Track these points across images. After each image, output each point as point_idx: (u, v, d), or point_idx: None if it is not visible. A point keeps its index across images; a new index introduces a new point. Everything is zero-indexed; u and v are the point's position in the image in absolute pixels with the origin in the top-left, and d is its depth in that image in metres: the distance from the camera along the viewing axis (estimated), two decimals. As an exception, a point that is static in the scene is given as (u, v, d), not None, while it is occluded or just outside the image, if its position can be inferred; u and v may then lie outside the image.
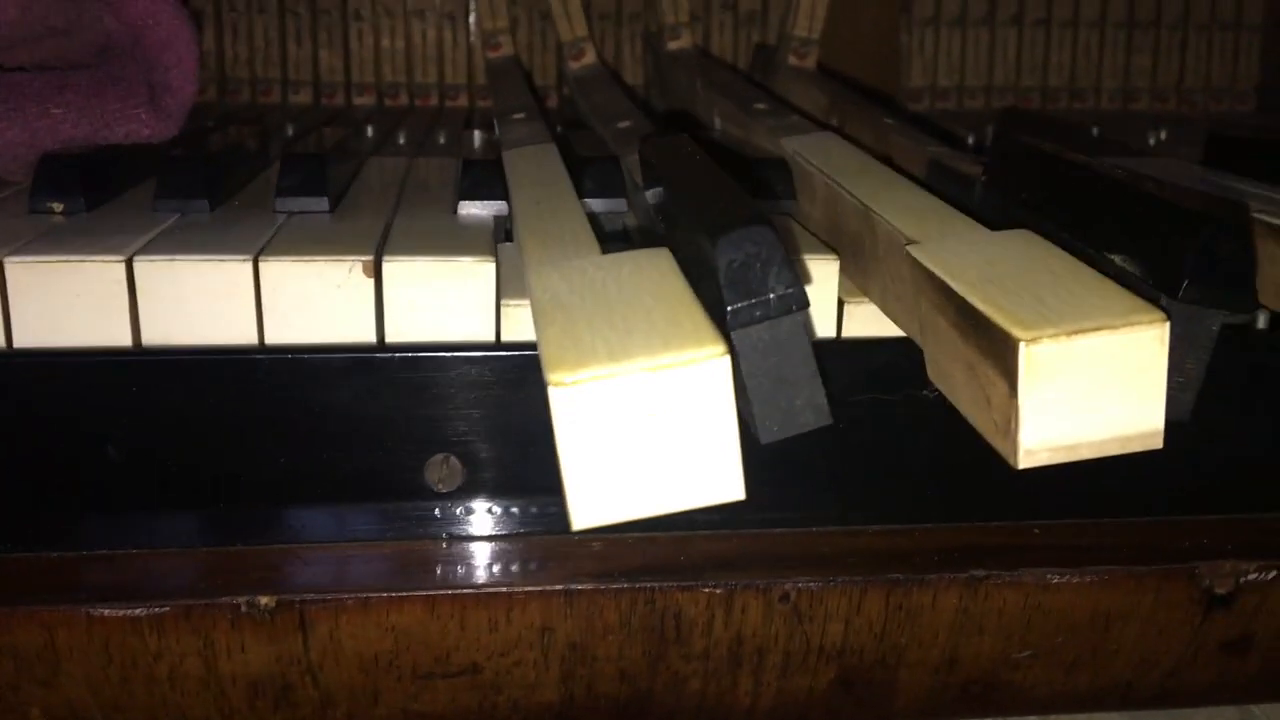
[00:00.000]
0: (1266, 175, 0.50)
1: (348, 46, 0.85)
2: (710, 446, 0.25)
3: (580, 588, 0.38)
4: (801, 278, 0.28)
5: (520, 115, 0.55)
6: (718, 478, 0.25)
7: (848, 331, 0.40)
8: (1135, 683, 0.43)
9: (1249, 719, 0.53)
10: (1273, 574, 0.41)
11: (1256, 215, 0.41)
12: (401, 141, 0.67)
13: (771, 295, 0.27)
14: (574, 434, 0.24)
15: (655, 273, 0.29)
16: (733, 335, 0.28)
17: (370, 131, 0.70)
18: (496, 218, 0.45)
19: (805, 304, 0.27)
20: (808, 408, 0.29)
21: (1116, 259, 0.33)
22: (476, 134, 0.65)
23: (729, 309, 0.27)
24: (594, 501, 0.25)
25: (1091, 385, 0.28)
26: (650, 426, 0.25)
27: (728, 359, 0.24)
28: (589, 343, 0.25)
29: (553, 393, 0.24)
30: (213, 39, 0.84)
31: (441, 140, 0.68)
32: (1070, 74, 0.93)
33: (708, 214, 0.29)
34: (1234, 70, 0.95)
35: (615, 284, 0.28)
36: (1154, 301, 0.29)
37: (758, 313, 0.27)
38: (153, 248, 0.39)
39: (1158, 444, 0.29)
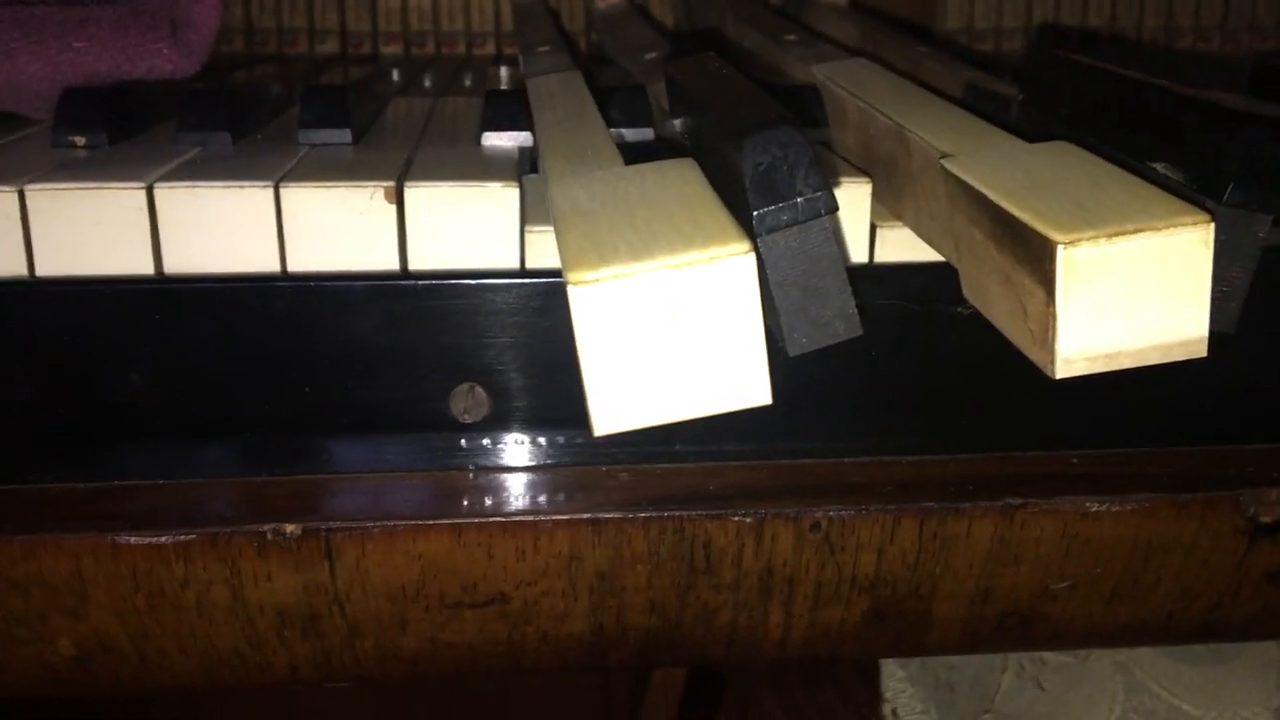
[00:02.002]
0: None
1: (374, -7, 0.85)
2: (736, 349, 0.24)
3: (607, 516, 0.38)
4: (829, 181, 0.27)
5: (545, 48, 0.54)
6: (744, 382, 0.24)
7: (880, 257, 0.39)
8: (1177, 615, 0.42)
9: (1294, 654, 0.52)
10: (1320, 502, 0.39)
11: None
12: (427, 84, 0.66)
13: (799, 198, 0.26)
14: (595, 336, 0.24)
15: (679, 179, 0.28)
16: (759, 241, 0.27)
17: (396, 76, 0.69)
18: (522, 149, 0.44)
19: (834, 207, 0.27)
20: (838, 318, 0.28)
21: (1159, 168, 0.32)
22: (503, 70, 0.64)
23: (755, 212, 0.26)
24: (616, 406, 0.24)
25: (1132, 291, 0.27)
26: (673, 328, 0.24)
27: (753, 256, 0.24)
28: (610, 243, 0.24)
29: (573, 292, 0.23)
30: (239, -12, 0.84)
31: (467, 83, 0.67)
32: (1111, 13, 0.91)
33: (733, 119, 0.28)
34: (1279, 7, 0.93)
35: (639, 191, 0.27)
36: (1199, 205, 0.28)
37: (785, 217, 0.26)
38: (174, 176, 0.38)
39: (1201, 352, 0.28)
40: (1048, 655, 0.57)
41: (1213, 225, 0.27)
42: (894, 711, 0.59)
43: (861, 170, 0.40)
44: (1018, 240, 0.28)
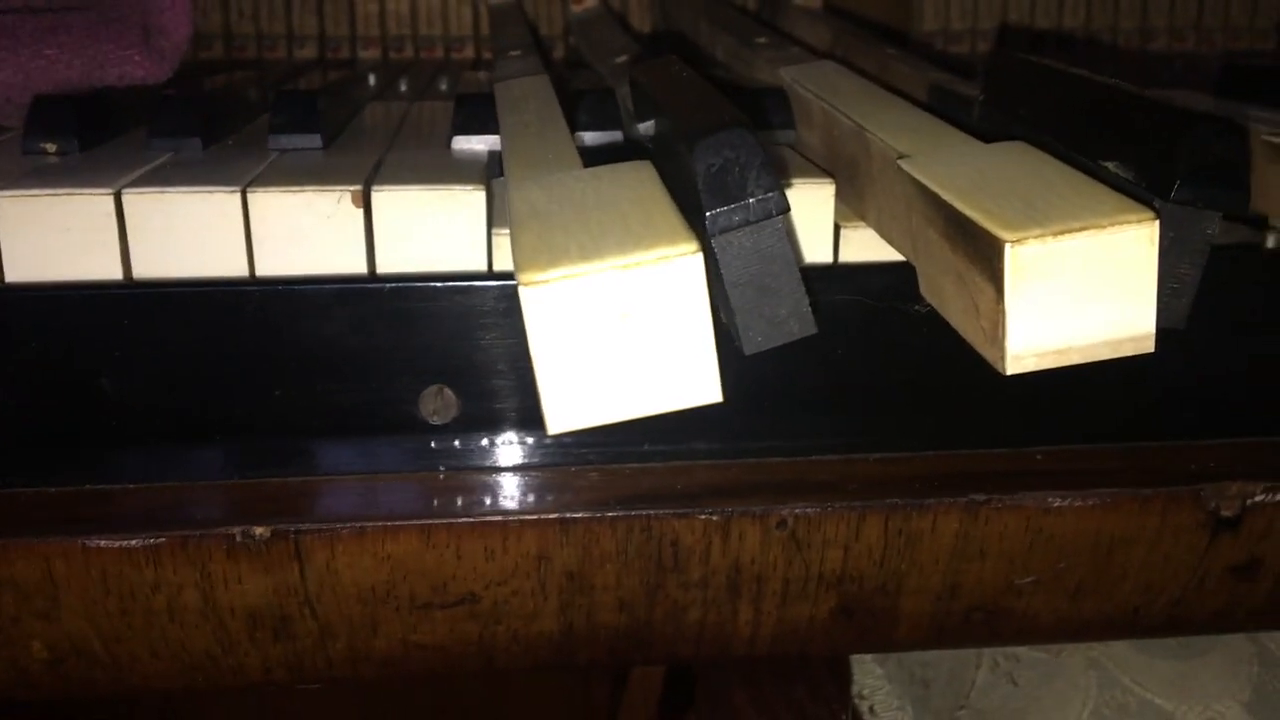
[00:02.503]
0: (1278, 103, 0.49)
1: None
2: (686, 348, 0.25)
3: (576, 516, 0.38)
4: (781, 182, 0.27)
5: (516, 52, 0.54)
6: (694, 380, 0.25)
7: (844, 257, 0.40)
8: (1142, 609, 0.42)
9: (1259, 648, 0.52)
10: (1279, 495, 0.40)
11: (1265, 138, 0.40)
12: (403, 89, 0.67)
13: (751, 199, 0.27)
14: (546, 335, 0.24)
15: (634, 182, 0.28)
16: (713, 242, 0.27)
17: (372, 80, 0.69)
18: (491, 152, 0.45)
19: (786, 208, 0.27)
20: (792, 316, 0.28)
21: (1112, 166, 0.32)
22: (481, 75, 0.65)
23: (707, 213, 0.27)
24: (568, 404, 0.24)
25: (1080, 287, 0.27)
26: (624, 327, 0.24)
27: (700, 256, 0.24)
28: (562, 244, 0.25)
29: (524, 292, 0.24)
30: (217, -6, 0.84)
31: (443, 87, 0.67)
32: (1086, 14, 0.92)
33: (687, 120, 0.28)
34: (1254, 8, 0.93)
35: (594, 193, 0.28)
36: (1146, 203, 0.28)
37: (736, 217, 0.27)
38: (142, 181, 0.39)
39: (1149, 347, 0.28)
40: (1021, 651, 0.57)
41: (1157, 222, 0.27)
42: (871, 709, 0.60)
43: (826, 171, 0.41)
44: (969, 239, 0.29)
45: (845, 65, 0.49)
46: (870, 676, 0.60)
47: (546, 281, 0.24)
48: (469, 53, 0.86)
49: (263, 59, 0.84)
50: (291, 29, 0.85)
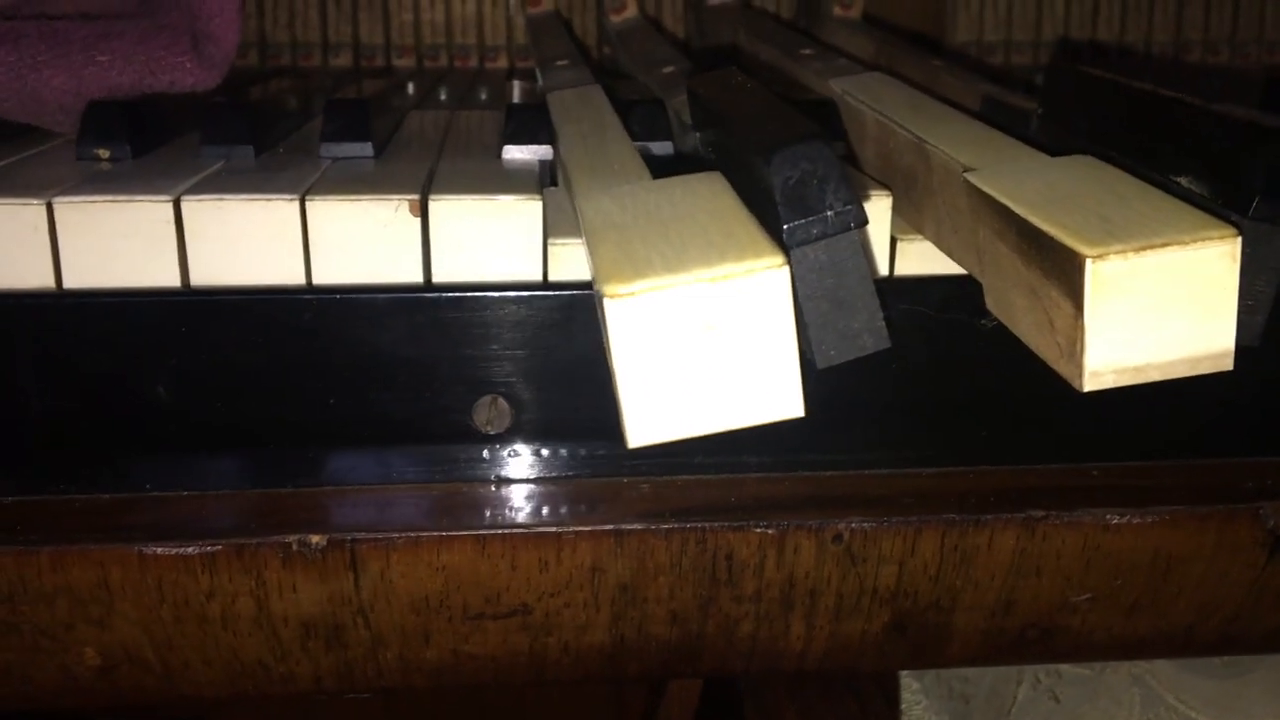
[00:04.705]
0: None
1: (386, 7, 0.85)
2: (769, 362, 0.24)
3: (630, 528, 0.38)
4: (859, 195, 0.27)
5: (564, 62, 0.54)
6: (777, 394, 0.25)
7: (901, 270, 0.40)
8: (1197, 627, 0.42)
9: (1313, 667, 0.52)
10: (1340, 514, 0.40)
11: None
12: (443, 97, 0.67)
13: (829, 212, 0.27)
14: (630, 348, 0.24)
15: (709, 193, 0.28)
16: (789, 254, 0.27)
17: (411, 89, 0.70)
18: (542, 162, 0.45)
19: (863, 221, 0.27)
20: (865, 330, 0.28)
21: (1183, 181, 0.32)
22: (517, 85, 0.65)
23: (785, 226, 0.27)
24: (650, 418, 0.24)
25: (1160, 304, 0.27)
26: (708, 340, 0.24)
27: (787, 269, 0.24)
28: (644, 256, 0.24)
29: (608, 305, 0.23)
30: (253, 2, 0.84)
31: (483, 96, 0.67)
32: (1120, 26, 0.91)
33: (761, 133, 0.28)
34: (1289, 21, 0.93)
35: (668, 204, 0.28)
36: (1226, 220, 0.28)
37: (814, 230, 0.27)
38: (199, 188, 0.39)
39: (1228, 365, 0.28)
40: (1064, 667, 0.57)
41: (1239, 239, 0.27)
42: (909, 724, 0.59)
43: (882, 183, 0.40)
44: (1044, 253, 0.29)
45: (892, 76, 0.49)
46: (909, 691, 0.60)
47: (632, 294, 0.23)
48: (502, 62, 0.86)
49: (298, 67, 0.85)
50: (327, 37, 0.86)
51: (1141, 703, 0.55)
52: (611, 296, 0.24)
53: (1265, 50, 0.93)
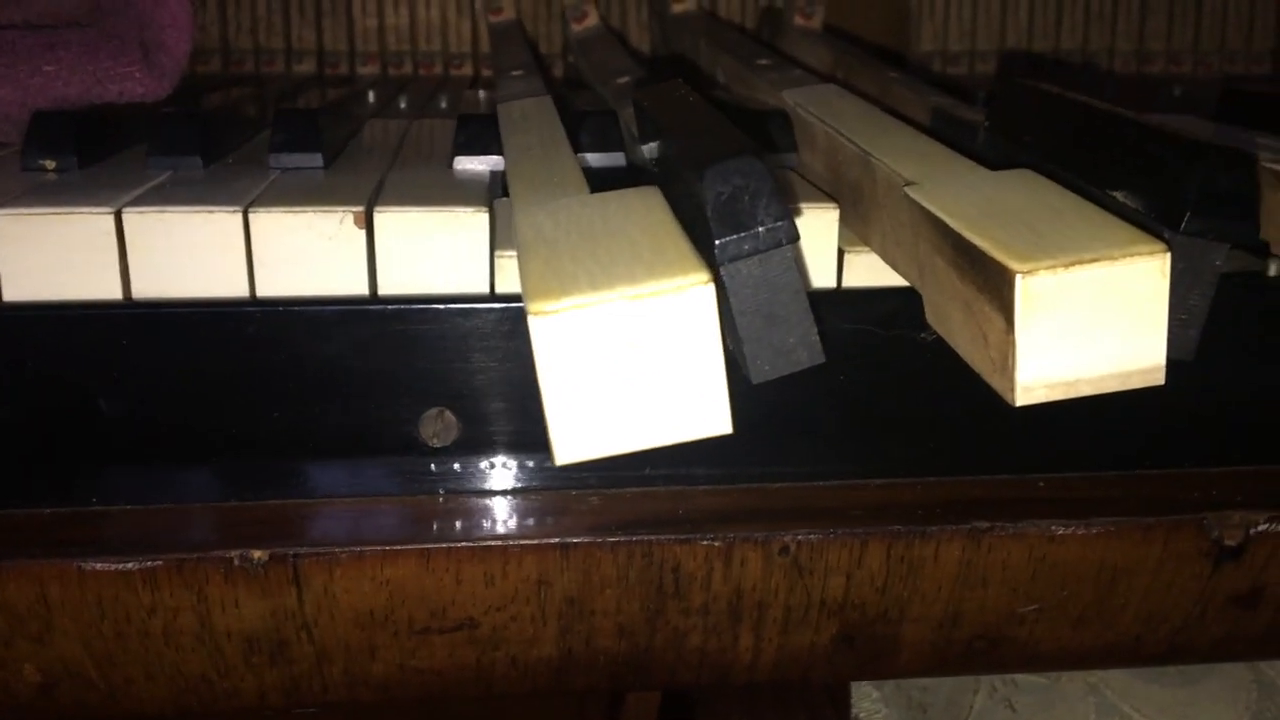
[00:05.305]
0: (1278, 129, 0.49)
1: (350, 14, 0.85)
2: (697, 378, 0.24)
3: (576, 541, 0.38)
4: (791, 211, 0.27)
5: (518, 72, 0.54)
6: (704, 411, 0.25)
7: (848, 281, 0.40)
8: (1144, 637, 0.42)
9: (1257, 675, 0.52)
10: (1284, 525, 0.40)
11: (1267, 165, 0.40)
12: (403, 106, 0.67)
13: (761, 228, 0.27)
14: (556, 365, 0.24)
15: (643, 208, 0.28)
16: (722, 270, 0.27)
17: (372, 97, 0.69)
18: (493, 173, 0.45)
19: (795, 237, 0.27)
20: (800, 345, 0.28)
21: (1120, 196, 0.32)
22: (480, 94, 0.64)
23: (716, 242, 0.26)
24: (577, 435, 0.24)
25: (1090, 319, 0.27)
26: (634, 357, 0.24)
27: (712, 287, 0.24)
28: (571, 273, 0.24)
29: (533, 322, 0.23)
30: (215, 8, 0.84)
31: (443, 105, 0.67)
32: (1084, 36, 0.92)
33: (696, 147, 0.28)
34: (1250, 31, 0.94)
35: (601, 219, 0.28)
36: (1156, 234, 0.28)
37: (746, 246, 0.27)
38: (143, 200, 0.38)
39: (1159, 380, 0.28)
40: (1020, 677, 0.57)
41: (1169, 254, 0.27)
42: (868, 733, 0.60)
43: (829, 195, 0.41)
44: (978, 268, 0.29)
45: (847, 88, 0.49)
46: (867, 700, 0.60)
47: (556, 311, 0.23)
48: (468, 69, 0.86)
49: (261, 74, 0.84)
50: (290, 44, 0.85)
51: (1097, 711, 0.55)
52: (536, 314, 0.24)
53: (1226, 60, 0.93)
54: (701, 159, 0.27)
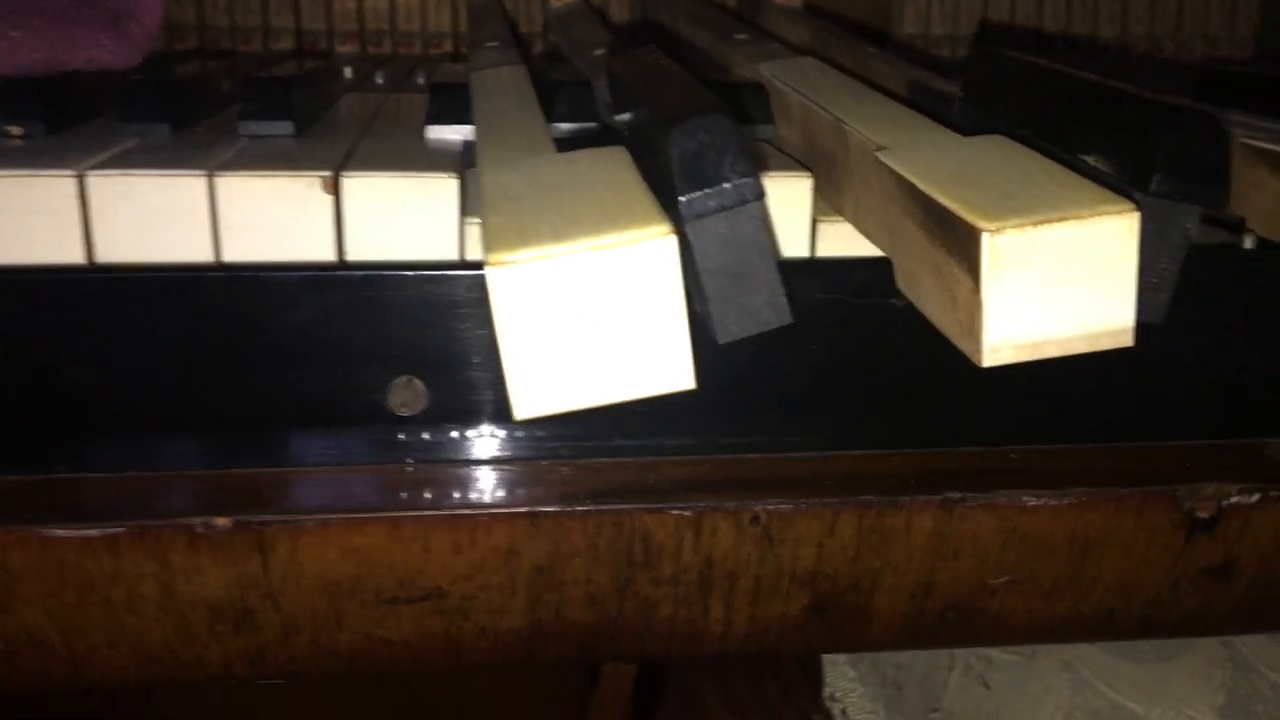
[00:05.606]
0: (1256, 107, 0.49)
1: (329, -9, 0.84)
2: (658, 333, 0.24)
3: (545, 510, 0.37)
4: (758, 169, 0.27)
5: (494, 44, 0.54)
6: (666, 366, 0.24)
7: (821, 251, 0.39)
8: (1117, 611, 0.42)
9: (1232, 652, 0.52)
10: (1255, 497, 0.40)
11: (1244, 140, 0.40)
12: (379, 81, 0.66)
13: (726, 184, 0.26)
14: (514, 318, 0.23)
15: (609, 165, 0.28)
16: (687, 228, 0.27)
17: (348, 73, 0.69)
18: (466, 142, 0.44)
19: (761, 194, 0.26)
20: (767, 306, 0.28)
21: (1091, 160, 0.32)
22: (458, 68, 0.64)
23: (682, 198, 0.26)
24: (536, 390, 0.24)
25: (1059, 279, 0.27)
26: (595, 312, 0.24)
27: (674, 238, 0.23)
28: (533, 226, 0.24)
29: (490, 273, 0.23)
30: (192, -16, 0.83)
31: (420, 80, 0.66)
32: (1066, 20, 0.92)
33: (665, 107, 0.28)
34: (1232, 17, 0.94)
35: (568, 176, 0.27)
36: (1127, 196, 0.28)
37: (712, 203, 0.26)
38: (107, 165, 0.38)
39: (1128, 341, 0.28)
40: (994, 654, 0.57)
41: (1138, 214, 0.27)
42: (843, 711, 0.59)
43: (804, 165, 0.40)
44: (947, 230, 0.28)
45: (825, 62, 0.49)
46: (843, 679, 0.60)
47: (515, 262, 0.23)
48: (447, 48, 0.85)
49: (238, 52, 0.83)
50: (268, 23, 0.85)
51: (1071, 688, 0.55)
52: (495, 265, 0.23)
53: (1209, 45, 0.93)
54: (669, 116, 0.27)
